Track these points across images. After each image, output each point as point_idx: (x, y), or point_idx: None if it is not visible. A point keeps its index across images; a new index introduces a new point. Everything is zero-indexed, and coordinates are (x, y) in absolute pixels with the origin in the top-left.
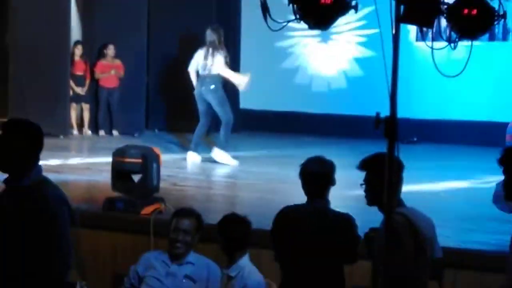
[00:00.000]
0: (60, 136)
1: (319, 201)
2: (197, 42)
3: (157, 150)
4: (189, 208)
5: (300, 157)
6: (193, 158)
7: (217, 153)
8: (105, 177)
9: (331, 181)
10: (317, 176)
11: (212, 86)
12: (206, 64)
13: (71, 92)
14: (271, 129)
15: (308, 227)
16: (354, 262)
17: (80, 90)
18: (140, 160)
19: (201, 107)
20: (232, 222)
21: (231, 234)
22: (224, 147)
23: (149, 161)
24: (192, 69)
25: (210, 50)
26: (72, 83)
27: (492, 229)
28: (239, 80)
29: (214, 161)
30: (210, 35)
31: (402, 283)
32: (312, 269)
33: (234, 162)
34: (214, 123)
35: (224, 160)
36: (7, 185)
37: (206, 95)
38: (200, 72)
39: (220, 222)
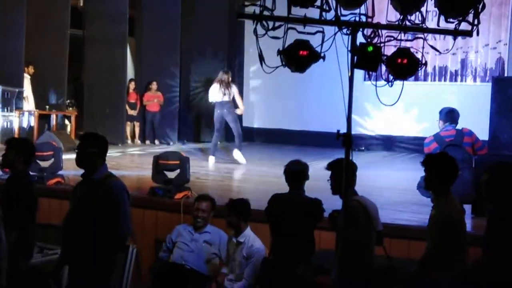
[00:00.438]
0: (119, 144)
1: (297, 191)
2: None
3: (183, 154)
4: (206, 194)
5: (285, 161)
6: (212, 160)
7: (236, 153)
8: (149, 173)
9: (306, 177)
10: (296, 173)
11: (231, 109)
12: (225, 93)
13: (128, 111)
14: (266, 141)
15: (290, 208)
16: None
17: (133, 112)
18: (178, 162)
19: (218, 124)
20: (239, 203)
21: (239, 210)
22: (239, 149)
23: (184, 162)
24: (212, 99)
25: (224, 84)
26: (127, 108)
27: (416, 210)
28: (241, 108)
29: (227, 162)
30: (222, 75)
31: (357, 248)
32: (292, 236)
33: (244, 161)
34: (225, 135)
35: (240, 159)
36: (84, 178)
37: (226, 116)
38: (220, 99)
39: (230, 203)
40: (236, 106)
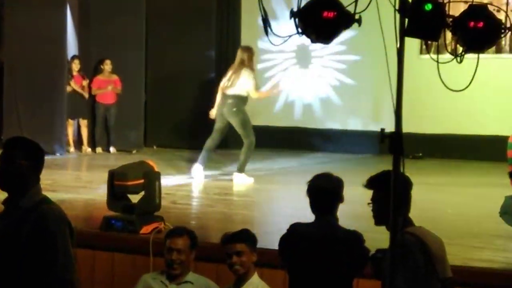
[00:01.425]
0: (56, 154)
1: (327, 218)
2: (198, 59)
3: (151, 163)
4: (181, 226)
5: (307, 175)
6: (198, 172)
7: (236, 177)
8: (102, 195)
9: (339, 198)
10: (325, 192)
11: (234, 109)
12: (229, 84)
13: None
14: (274, 145)
15: (317, 245)
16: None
17: (78, 105)
18: (142, 180)
19: (219, 124)
20: (244, 232)
21: (245, 238)
22: (242, 170)
23: (151, 180)
24: (220, 87)
25: (236, 69)
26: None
27: (500, 247)
28: (272, 93)
29: (221, 178)
30: (239, 54)
31: None
32: (321, 286)
33: (251, 181)
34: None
35: (243, 182)
36: (7, 206)
37: (227, 117)
38: (224, 91)
39: (230, 236)
40: (244, 102)
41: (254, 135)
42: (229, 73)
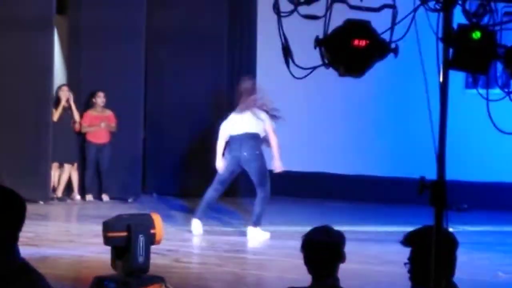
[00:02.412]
0: (39, 202)
1: (327, 280)
2: (206, 92)
3: (156, 217)
4: None
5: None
6: (197, 227)
7: (251, 232)
8: (92, 251)
9: (340, 256)
10: (324, 249)
11: (257, 152)
12: (243, 119)
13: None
14: (292, 193)
15: None
16: None
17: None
18: (125, 234)
19: (227, 173)
20: None
21: None
22: (257, 223)
23: (134, 232)
24: (224, 133)
25: (244, 102)
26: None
27: None
28: (278, 157)
29: (225, 233)
30: (242, 84)
31: None
32: None
33: (267, 236)
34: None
35: (259, 237)
36: None
37: (247, 162)
38: (235, 130)
39: None
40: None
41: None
42: (237, 110)
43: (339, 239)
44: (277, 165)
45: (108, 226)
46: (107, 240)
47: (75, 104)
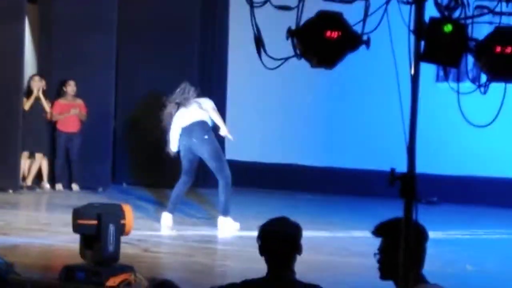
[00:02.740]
0: (9, 191)
1: (282, 272)
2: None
3: (126, 208)
4: (166, 281)
5: (298, 218)
6: (167, 221)
7: (221, 222)
8: (62, 240)
9: (297, 247)
10: (281, 240)
11: (206, 136)
12: (191, 111)
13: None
14: (262, 185)
15: None
16: None
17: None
18: (95, 222)
19: (186, 162)
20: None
21: None
22: (226, 211)
23: (105, 221)
24: (175, 124)
25: (187, 101)
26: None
27: None
28: (225, 130)
29: (192, 224)
30: (179, 95)
31: None
32: None
33: (237, 226)
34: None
35: (229, 227)
36: None
37: (198, 147)
38: (185, 123)
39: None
40: (215, 129)
41: (229, 168)
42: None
43: (295, 230)
44: (223, 131)
45: (78, 214)
46: (77, 228)
47: (44, 94)
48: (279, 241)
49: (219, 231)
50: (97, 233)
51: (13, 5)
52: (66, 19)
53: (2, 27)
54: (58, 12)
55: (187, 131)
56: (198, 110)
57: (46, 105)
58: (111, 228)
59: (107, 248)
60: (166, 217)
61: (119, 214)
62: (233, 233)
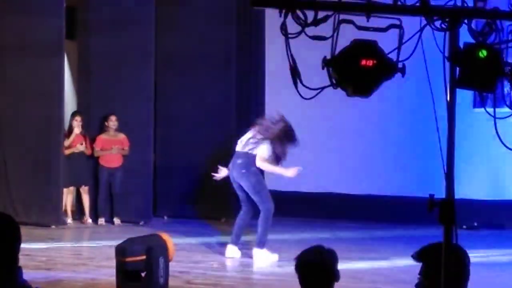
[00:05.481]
0: (51, 226)
1: None
2: (216, 113)
3: (165, 237)
4: None
5: (337, 246)
6: (232, 253)
7: (256, 254)
8: (105, 274)
9: (333, 275)
10: (317, 269)
11: (243, 171)
12: (244, 139)
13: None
14: (301, 214)
15: None
16: None
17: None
18: (143, 257)
19: (239, 192)
20: None
21: None
22: (261, 244)
23: (154, 255)
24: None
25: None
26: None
27: None
28: (286, 172)
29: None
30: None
31: None
32: None
33: (275, 258)
34: None
35: (265, 260)
36: None
37: (239, 181)
38: (236, 149)
39: None
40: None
41: (272, 201)
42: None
43: (331, 258)
44: (286, 174)
45: (124, 251)
46: (124, 265)
47: (83, 130)
48: (316, 271)
49: (256, 263)
50: (148, 267)
51: (52, 42)
52: (104, 53)
53: (42, 64)
54: (96, 47)
55: (232, 160)
56: (250, 139)
57: (84, 150)
58: (161, 261)
59: (158, 281)
60: (231, 250)
61: (165, 245)
62: (273, 263)
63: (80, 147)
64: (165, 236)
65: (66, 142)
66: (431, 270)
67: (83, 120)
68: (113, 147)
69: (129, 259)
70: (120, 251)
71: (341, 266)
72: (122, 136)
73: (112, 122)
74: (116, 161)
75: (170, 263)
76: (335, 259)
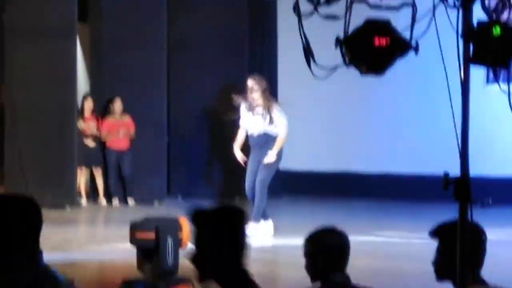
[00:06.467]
0: (66, 207)
1: (339, 276)
2: (227, 94)
3: (183, 221)
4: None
5: (351, 226)
6: (266, 228)
7: (253, 227)
8: (119, 255)
9: (347, 255)
10: (338, 249)
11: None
12: (255, 115)
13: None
14: (317, 193)
15: None
16: None
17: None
18: (152, 236)
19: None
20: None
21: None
22: (257, 218)
23: (163, 235)
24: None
25: (251, 98)
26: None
27: None
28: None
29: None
30: (249, 82)
31: None
32: None
33: (270, 233)
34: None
35: (259, 233)
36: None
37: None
38: (251, 129)
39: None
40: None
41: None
42: (246, 106)
43: (347, 240)
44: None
45: (135, 227)
46: (134, 241)
47: (94, 113)
48: (336, 253)
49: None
50: (155, 246)
51: (64, 24)
52: (117, 37)
53: (55, 47)
54: (109, 30)
55: (255, 140)
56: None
57: (97, 135)
58: (169, 241)
59: (165, 261)
60: (265, 225)
61: (176, 227)
62: (285, 242)
63: (92, 130)
64: (182, 220)
65: (79, 125)
66: (447, 247)
67: (94, 102)
68: (119, 130)
69: (138, 234)
70: (133, 225)
71: (357, 241)
72: (127, 118)
73: (117, 104)
74: (123, 144)
75: None
76: (348, 241)
